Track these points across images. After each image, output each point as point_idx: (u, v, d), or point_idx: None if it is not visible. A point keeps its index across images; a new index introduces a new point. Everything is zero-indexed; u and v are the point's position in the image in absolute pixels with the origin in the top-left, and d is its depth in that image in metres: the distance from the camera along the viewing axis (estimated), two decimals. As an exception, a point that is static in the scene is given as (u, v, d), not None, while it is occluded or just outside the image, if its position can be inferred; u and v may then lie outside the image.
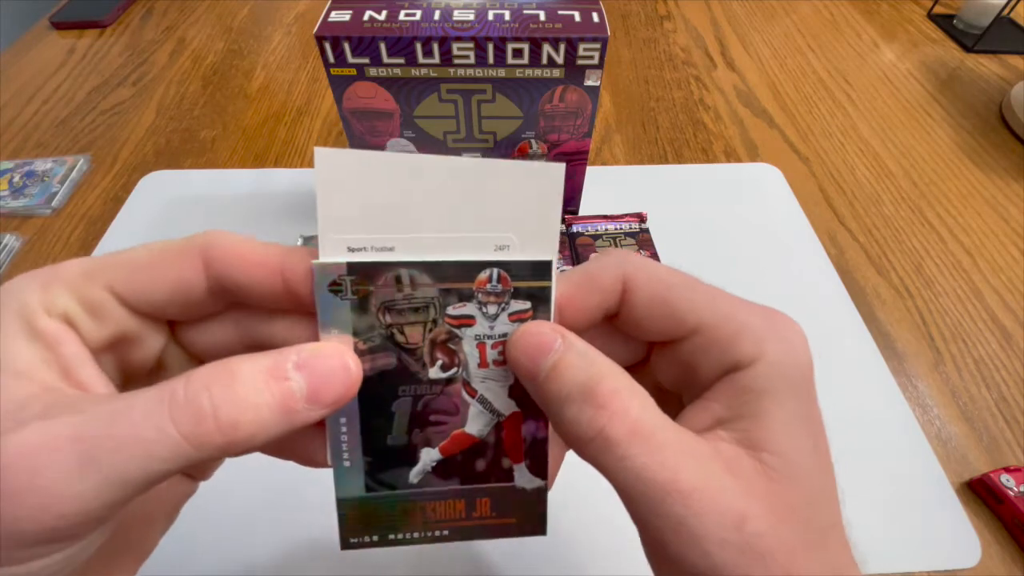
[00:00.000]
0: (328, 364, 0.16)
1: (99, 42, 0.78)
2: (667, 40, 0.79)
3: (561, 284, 0.18)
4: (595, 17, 0.40)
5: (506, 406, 0.19)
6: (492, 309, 0.18)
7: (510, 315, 0.18)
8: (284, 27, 0.81)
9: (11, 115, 0.67)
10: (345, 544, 0.19)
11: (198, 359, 0.19)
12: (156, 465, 0.13)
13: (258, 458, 0.20)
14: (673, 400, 0.19)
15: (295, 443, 0.19)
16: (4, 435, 0.13)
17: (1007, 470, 0.37)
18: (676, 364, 0.18)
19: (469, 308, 0.18)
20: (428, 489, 0.19)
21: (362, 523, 0.19)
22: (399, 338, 0.17)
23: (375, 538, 0.19)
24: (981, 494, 0.37)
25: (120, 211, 0.54)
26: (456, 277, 0.17)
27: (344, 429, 0.18)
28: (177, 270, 0.16)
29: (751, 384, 0.16)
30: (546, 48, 0.39)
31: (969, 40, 0.76)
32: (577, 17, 0.40)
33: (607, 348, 0.18)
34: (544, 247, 0.17)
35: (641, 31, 0.81)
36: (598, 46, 0.39)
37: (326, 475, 0.18)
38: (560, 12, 0.40)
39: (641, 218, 0.52)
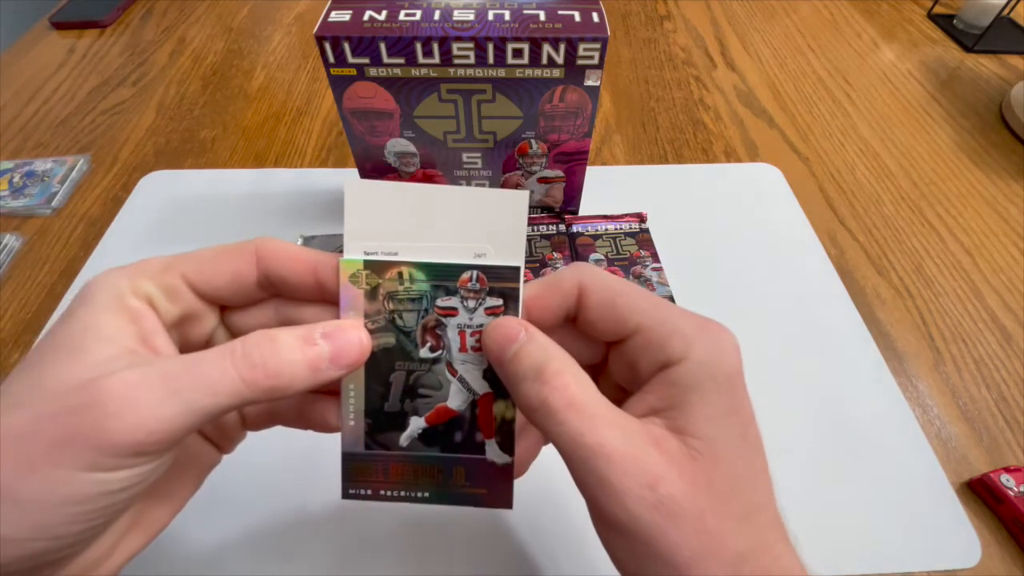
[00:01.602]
0: (347, 335, 0.20)
1: (99, 42, 0.78)
2: (667, 40, 0.79)
3: (529, 287, 0.22)
4: (595, 17, 0.40)
5: (480, 386, 0.22)
6: (472, 303, 0.22)
7: (486, 309, 0.22)
8: (284, 27, 0.81)
9: (11, 115, 0.67)
10: (345, 494, 0.23)
11: None
12: (221, 400, 0.18)
13: (276, 436, 0.24)
14: (629, 398, 0.21)
15: (313, 410, 0.23)
16: (106, 376, 0.17)
17: (1007, 470, 0.37)
18: (624, 363, 0.21)
19: (453, 301, 0.22)
20: (414, 453, 0.23)
21: (359, 477, 0.23)
22: (398, 322, 0.22)
23: (368, 492, 0.23)
24: (981, 494, 0.37)
25: (120, 211, 0.54)
26: (444, 276, 0.22)
27: (352, 394, 0.22)
28: (236, 263, 0.21)
29: (678, 379, 0.19)
30: (546, 48, 0.39)
31: (969, 40, 0.76)
32: (577, 17, 0.40)
33: (572, 348, 0.21)
34: (513, 255, 0.22)
35: (641, 31, 0.81)
36: (598, 46, 0.39)
37: (332, 452, 0.22)
38: (560, 12, 0.40)
39: (641, 218, 0.52)
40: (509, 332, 0.20)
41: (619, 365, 0.22)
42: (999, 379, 0.43)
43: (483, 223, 0.21)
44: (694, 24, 0.82)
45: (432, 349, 0.22)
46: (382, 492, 0.23)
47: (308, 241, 0.50)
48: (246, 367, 0.18)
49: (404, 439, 0.23)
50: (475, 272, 0.21)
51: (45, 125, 0.65)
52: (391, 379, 0.22)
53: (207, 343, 0.23)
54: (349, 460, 0.23)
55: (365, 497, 0.23)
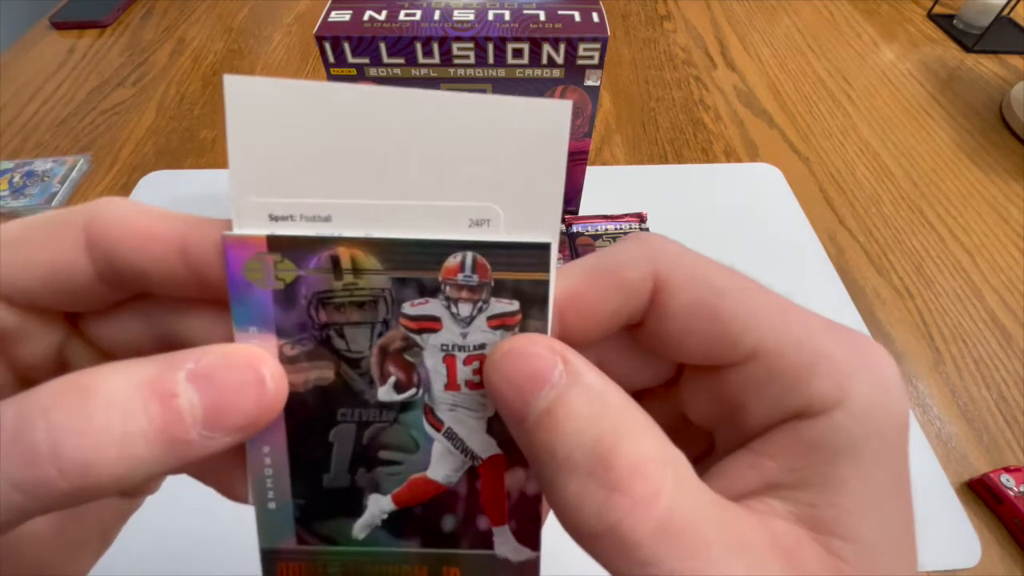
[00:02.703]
0: (234, 374, 0.12)
1: (99, 42, 0.78)
2: (667, 40, 0.79)
3: (564, 279, 0.13)
4: (595, 17, 0.40)
5: (484, 446, 0.14)
6: (465, 309, 0.13)
7: (489, 319, 0.13)
8: (284, 27, 0.81)
9: (11, 115, 0.67)
10: None
11: (108, 356, 0.14)
12: None
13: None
14: (700, 435, 0.15)
15: (212, 469, 0.15)
16: None
17: (1007, 470, 0.37)
18: (716, 397, 0.13)
19: (433, 306, 0.13)
20: (378, 549, 0.14)
21: None
22: (338, 343, 0.13)
23: None
24: (981, 494, 0.37)
25: (120, 211, 0.54)
26: (415, 262, 0.12)
27: (268, 461, 0.13)
28: (51, 249, 0.12)
29: (824, 439, 0.12)
30: (546, 48, 0.39)
31: (969, 40, 0.76)
32: (577, 17, 0.40)
33: (621, 364, 0.14)
34: (541, 224, 0.12)
35: (641, 31, 0.81)
36: (598, 46, 0.39)
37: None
38: (560, 12, 0.40)
39: (641, 218, 0.52)
40: (536, 365, 0.12)
41: (704, 398, 0.14)
42: (999, 379, 0.43)
43: (486, 163, 0.12)
44: (694, 24, 0.82)
45: (399, 387, 0.13)
46: None
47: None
48: (19, 461, 0.10)
49: (360, 528, 0.14)
50: (470, 255, 0.12)
51: (45, 125, 0.65)
52: (332, 437, 0.14)
53: (59, 365, 0.14)
54: (272, 561, 0.14)
55: None
